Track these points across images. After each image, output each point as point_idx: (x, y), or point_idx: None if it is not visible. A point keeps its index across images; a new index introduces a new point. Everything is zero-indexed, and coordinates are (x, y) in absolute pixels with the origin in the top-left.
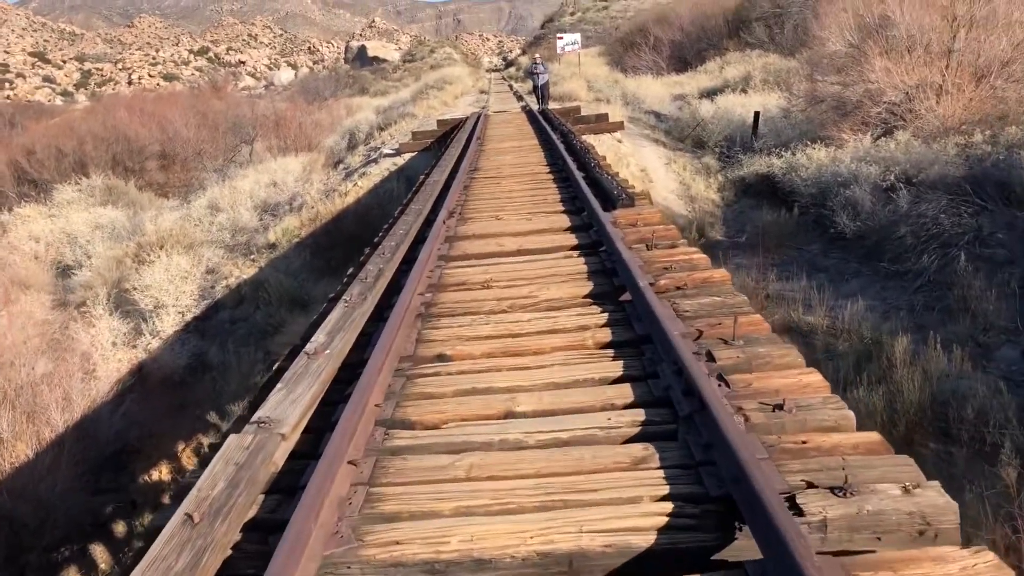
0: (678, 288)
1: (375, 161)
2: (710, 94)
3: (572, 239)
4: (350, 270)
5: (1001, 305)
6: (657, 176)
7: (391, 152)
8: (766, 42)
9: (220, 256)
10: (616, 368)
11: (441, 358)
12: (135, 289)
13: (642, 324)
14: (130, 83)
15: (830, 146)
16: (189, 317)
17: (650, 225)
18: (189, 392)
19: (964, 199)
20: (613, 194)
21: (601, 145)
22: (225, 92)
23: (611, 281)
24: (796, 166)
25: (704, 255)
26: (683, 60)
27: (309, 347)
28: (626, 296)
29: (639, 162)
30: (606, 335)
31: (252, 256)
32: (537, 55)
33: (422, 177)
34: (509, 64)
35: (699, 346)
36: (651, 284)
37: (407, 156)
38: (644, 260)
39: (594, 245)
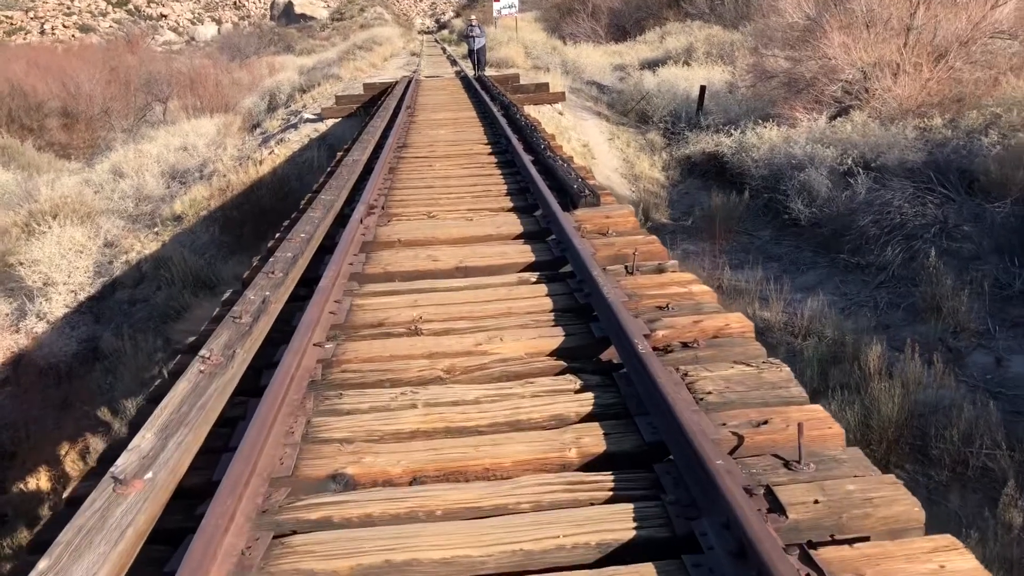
0: (685, 346)
1: (295, 127)
2: (651, 65)
3: (527, 252)
4: (226, 295)
5: (971, 305)
6: (600, 152)
7: (313, 117)
8: (707, 13)
9: (121, 228)
10: (622, 518)
11: (337, 480)
12: (22, 264)
13: (649, 422)
14: (43, 33)
15: (782, 125)
16: (82, 297)
17: (624, 234)
18: (77, 385)
19: (927, 187)
20: (572, 188)
21: (541, 116)
22: (139, 46)
23: (588, 328)
24: (746, 146)
25: (706, 287)
26: (622, 29)
27: (120, 465)
28: (611, 355)
29: (581, 136)
30: (595, 439)
31: (156, 229)
32: (473, 17)
33: (339, 154)
34: (442, 27)
35: (747, 473)
36: (646, 336)
37: (330, 122)
38: (628, 292)
39: (556, 263)
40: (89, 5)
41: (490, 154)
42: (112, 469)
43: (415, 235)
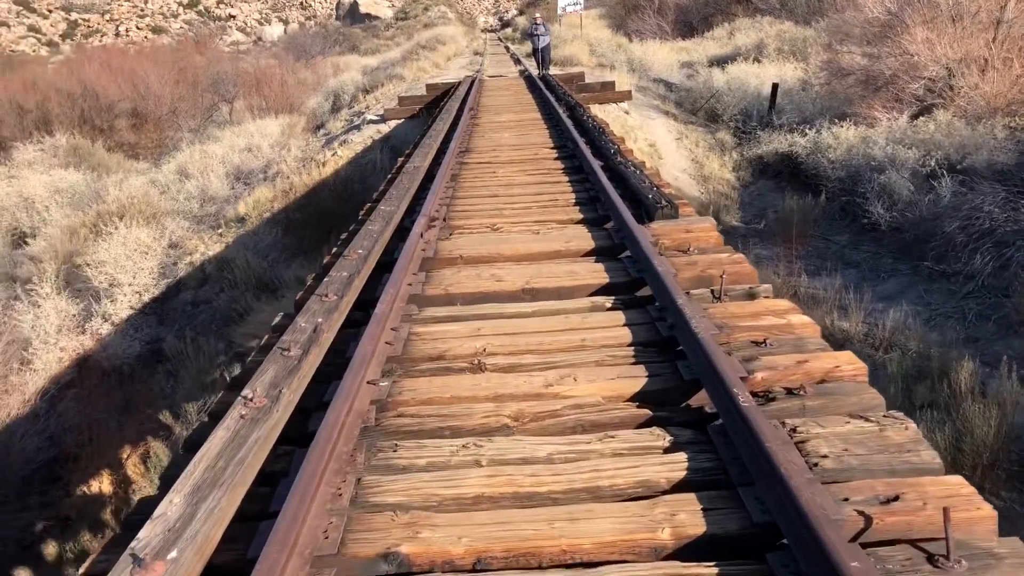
0: (790, 392)
1: (357, 128)
2: (720, 62)
3: (599, 272)
4: (277, 319)
5: None
6: (667, 152)
7: (375, 118)
8: (777, 8)
9: (185, 228)
10: None
11: (389, 561)
12: (88, 265)
13: (756, 496)
14: (117, 35)
15: (859, 125)
16: (147, 298)
17: (706, 251)
18: (139, 387)
19: (1020, 191)
20: (647, 199)
21: (606, 115)
22: (206, 47)
23: (673, 366)
24: (822, 146)
25: (807, 318)
26: (689, 25)
27: (143, 539)
28: (703, 401)
29: (647, 136)
30: (692, 515)
31: (220, 230)
32: (537, 15)
33: (400, 160)
34: (505, 24)
35: (883, 570)
36: (743, 378)
37: (393, 123)
38: (717, 323)
39: (632, 285)
40: (161, 7)
41: (556, 159)
42: (133, 544)
43: (478, 250)
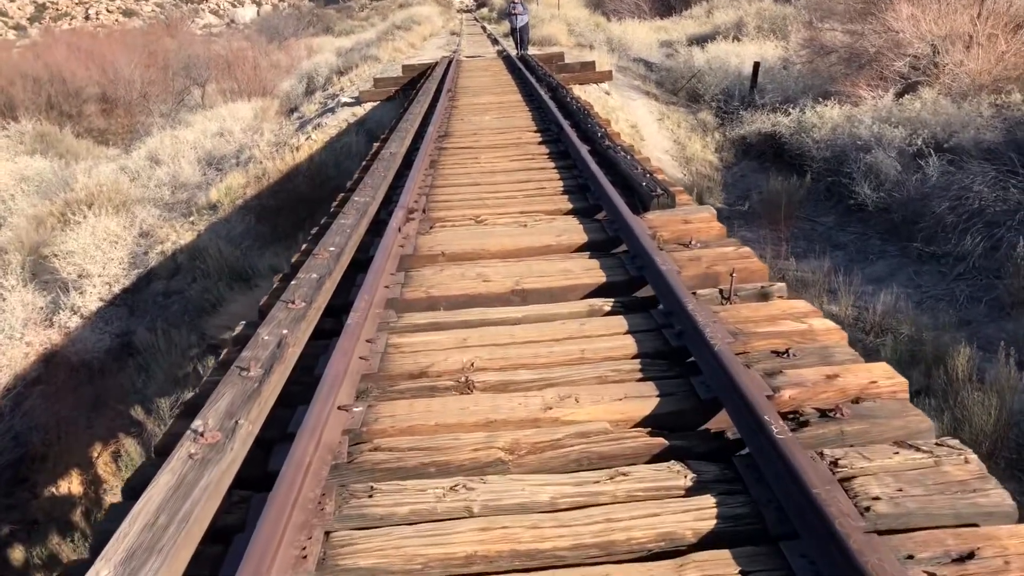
0: (824, 414)
1: (332, 111)
2: (699, 41)
3: (595, 270)
4: (238, 329)
5: None
6: (649, 133)
7: (350, 101)
8: None
9: (156, 217)
10: None
11: None
12: (56, 255)
13: (802, 554)
14: (87, 18)
15: (844, 103)
16: (117, 289)
17: (710, 244)
18: (110, 382)
19: (1008, 170)
20: (641, 187)
21: (587, 97)
22: (177, 29)
23: (687, 383)
24: (806, 126)
25: (830, 322)
26: (667, 4)
27: None
28: (724, 423)
29: (629, 117)
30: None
31: (192, 218)
32: None
33: (376, 145)
34: (482, 4)
35: None
36: (768, 397)
37: (368, 106)
38: (731, 328)
39: (632, 285)
40: None
41: (540, 143)
42: None
43: (461, 246)
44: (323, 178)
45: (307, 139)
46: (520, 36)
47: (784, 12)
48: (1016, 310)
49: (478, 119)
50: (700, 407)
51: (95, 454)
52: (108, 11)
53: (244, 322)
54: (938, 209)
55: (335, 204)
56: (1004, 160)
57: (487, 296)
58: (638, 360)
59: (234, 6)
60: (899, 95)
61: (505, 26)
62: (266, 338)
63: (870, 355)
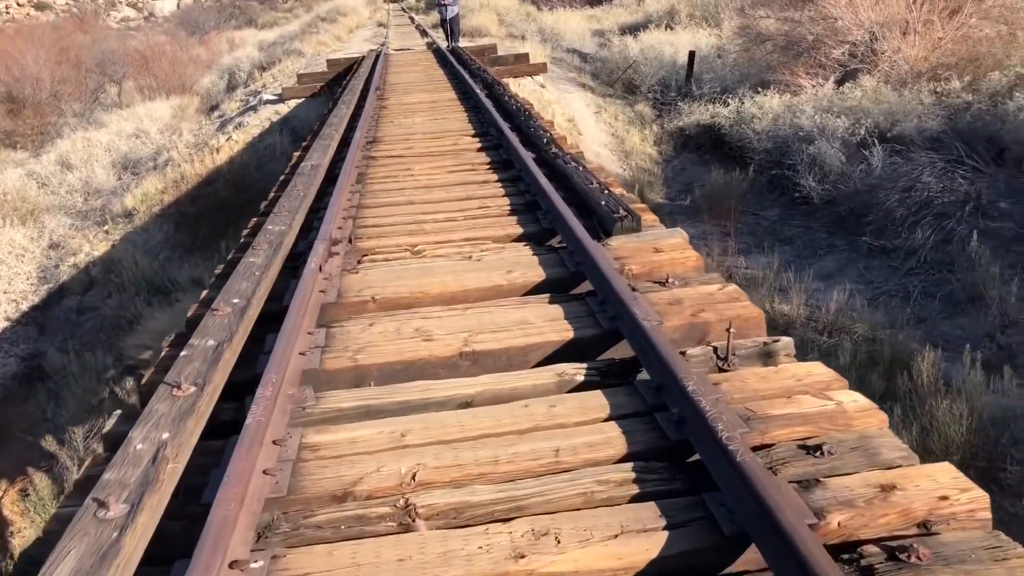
0: (893, 556)
1: (254, 109)
2: (631, 30)
3: (559, 321)
4: (111, 422)
5: (1021, 294)
6: (586, 127)
7: (273, 98)
8: None
9: (68, 226)
10: None
11: None
12: None
13: None
14: None
15: (783, 92)
16: (25, 306)
17: (688, 281)
18: (16, 411)
19: (953, 159)
20: (600, 205)
21: (522, 90)
22: (91, 24)
23: (700, 503)
24: (745, 116)
25: (859, 395)
26: None
27: None
28: (754, 559)
29: (565, 110)
30: None
31: (106, 227)
32: None
33: (296, 156)
34: None
35: None
36: (812, 526)
37: (292, 103)
38: (740, 411)
39: (605, 340)
40: None
41: (480, 150)
42: None
43: (396, 288)
44: (246, 181)
45: (228, 140)
46: (451, 27)
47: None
48: (971, 305)
49: (409, 121)
50: (724, 545)
51: (0, 492)
52: (19, 4)
53: (118, 413)
54: (886, 201)
55: (245, 233)
56: (949, 149)
57: (429, 362)
58: (630, 464)
59: None
60: (839, 83)
61: (433, 16)
62: (139, 447)
63: (827, 357)
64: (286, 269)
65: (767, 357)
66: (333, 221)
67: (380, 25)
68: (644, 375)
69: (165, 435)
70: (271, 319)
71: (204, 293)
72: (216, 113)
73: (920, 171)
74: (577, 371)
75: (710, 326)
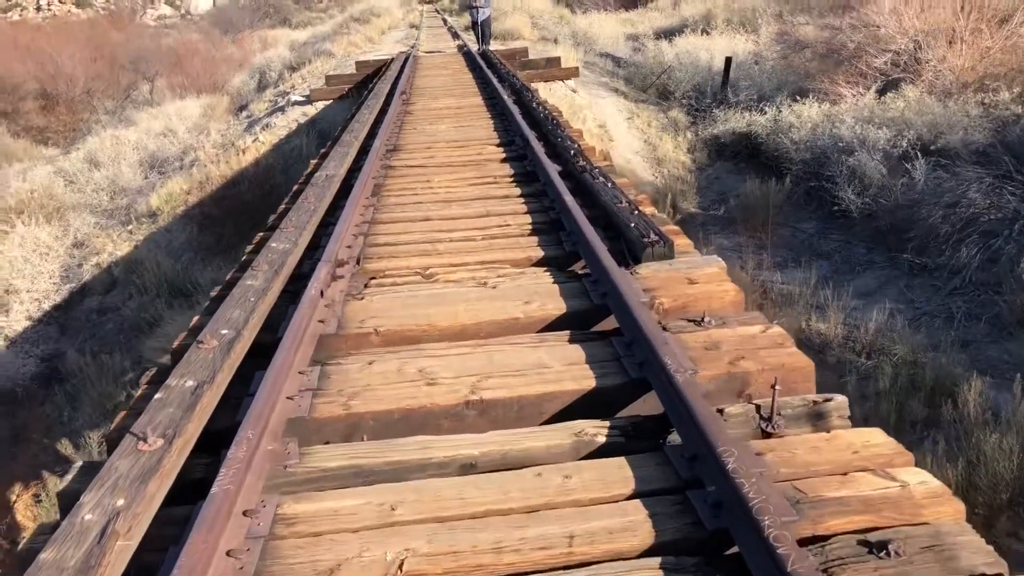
0: None
1: (282, 110)
2: (666, 35)
3: (579, 365)
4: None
5: None
6: (618, 133)
7: (301, 99)
8: None
9: (92, 225)
10: None
11: None
12: None
13: None
14: (38, 9)
15: (822, 101)
16: (47, 306)
17: (728, 321)
18: (33, 413)
19: (1001, 174)
20: (629, 227)
21: (552, 95)
22: (125, 22)
23: None
24: (783, 126)
25: (926, 474)
26: None
27: None
28: None
29: (597, 116)
30: None
31: (131, 227)
32: None
33: (312, 164)
34: None
35: None
36: None
37: (320, 105)
38: (788, 492)
39: (630, 392)
40: None
41: (503, 160)
42: None
43: (402, 319)
44: (271, 184)
45: (254, 141)
46: (482, 30)
47: (754, 4)
48: (1019, 329)
49: (433, 128)
50: None
51: (14, 496)
52: (60, 2)
53: (80, 464)
54: (930, 217)
55: (249, 249)
56: (998, 164)
57: (431, 411)
58: (657, 560)
59: None
60: (880, 93)
61: (467, 18)
62: (87, 518)
63: (866, 380)
64: (287, 293)
65: (817, 419)
66: (341, 240)
67: (412, 27)
68: (675, 437)
69: (120, 501)
70: (264, 352)
71: (195, 319)
72: (244, 113)
73: (966, 186)
74: (598, 430)
75: (751, 376)
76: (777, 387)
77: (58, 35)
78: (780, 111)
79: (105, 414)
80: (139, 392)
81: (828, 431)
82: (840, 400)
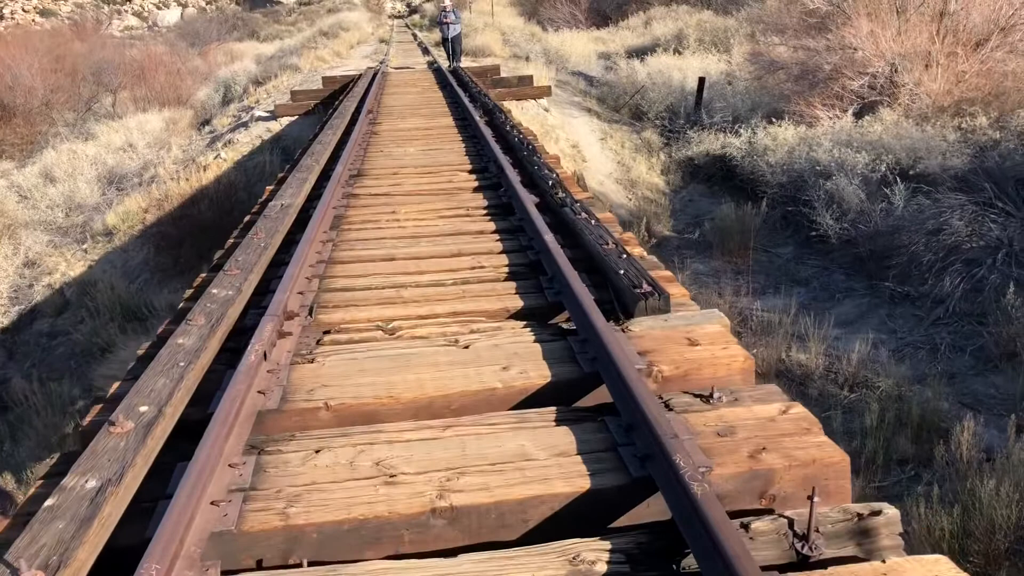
0: None
1: (245, 125)
2: (638, 53)
3: (569, 456)
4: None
5: None
6: (591, 154)
7: (265, 115)
8: None
9: (45, 243)
10: None
11: None
12: None
13: None
14: (1, 18)
15: (798, 124)
16: None
17: (740, 396)
18: None
19: (982, 200)
20: (618, 276)
21: (525, 114)
22: (88, 32)
23: None
24: (759, 148)
25: None
26: (603, 14)
27: None
28: None
29: (569, 136)
30: None
31: (85, 245)
32: (446, 1)
33: (269, 189)
34: (413, 11)
35: None
36: None
37: (285, 121)
38: None
39: (631, 492)
40: None
41: (476, 189)
42: None
43: (359, 389)
44: (232, 203)
45: (216, 158)
46: (452, 47)
47: (726, 24)
48: (1005, 362)
49: (401, 151)
50: None
51: None
52: (24, 10)
53: None
54: (911, 245)
55: (188, 294)
56: (978, 190)
57: (389, 520)
58: None
59: (159, 8)
60: (857, 116)
61: (437, 34)
62: None
63: (851, 414)
64: (226, 352)
65: (863, 538)
66: (292, 286)
67: (382, 41)
68: (691, 560)
69: None
70: (191, 433)
71: (115, 386)
72: (207, 128)
73: (948, 213)
74: (596, 555)
75: (776, 475)
76: (815, 499)
77: (17, 45)
78: (755, 133)
79: (49, 447)
80: (31, 490)
81: (880, 557)
82: (891, 514)
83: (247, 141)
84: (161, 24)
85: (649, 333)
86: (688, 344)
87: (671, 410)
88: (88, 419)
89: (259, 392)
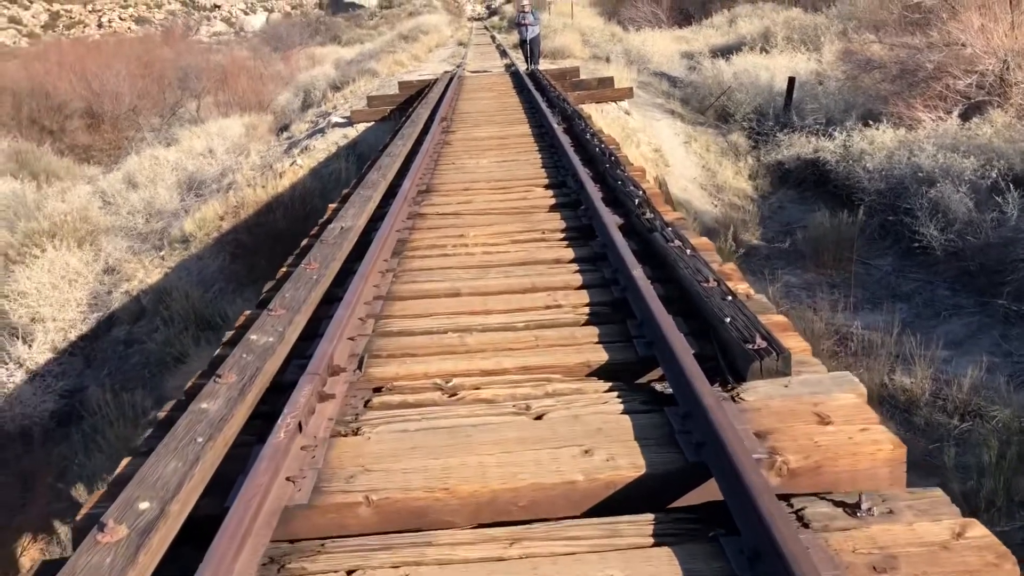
0: None
1: (322, 131)
2: (722, 52)
3: None
4: None
5: None
6: (675, 158)
7: (341, 121)
8: None
9: (124, 250)
10: None
11: None
12: (7, 296)
13: None
14: (100, 26)
15: (898, 126)
16: (73, 335)
17: (895, 507)
18: (49, 454)
19: None
20: (725, 325)
21: (605, 117)
22: (175, 38)
23: None
24: (854, 152)
25: None
26: (685, 13)
27: None
28: None
29: (651, 140)
30: None
31: (163, 252)
32: (525, 2)
33: (330, 208)
34: (493, 12)
35: None
36: None
37: (361, 127)
38: None
39: None
40: None
41: (553, 208)
42: None
43: (408, 477)
44: (307, 211)
45: (292, 164)
46: (530, 49)
47: (815, 22)
48: None
49: (473, 163)
50: None
51: (20, 549)
52: (121, 19)
53: None
54: None
55: (226, 337)
56: None
57: None
58: None
59: (246, 13)
60: (963, 118)
61: (516, 36)
62: None
63: (964, 446)
64: (257, 419)
65: None
66: (341, 332)
67: (460, 44)
68: None
69: None
70: (201, 535)
71: (124, 463)
72: (285, 134)
73: None
74: None
75: None
76: None
77: (108, 52)
78: (850, 136)
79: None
80: None
81: None
82: None
83: (323, 147)
84: (247, 29)
85: (767, 405)
86: (817, 422)
87: (807, 526)
88: (85, 510)
89: (287, 479)
